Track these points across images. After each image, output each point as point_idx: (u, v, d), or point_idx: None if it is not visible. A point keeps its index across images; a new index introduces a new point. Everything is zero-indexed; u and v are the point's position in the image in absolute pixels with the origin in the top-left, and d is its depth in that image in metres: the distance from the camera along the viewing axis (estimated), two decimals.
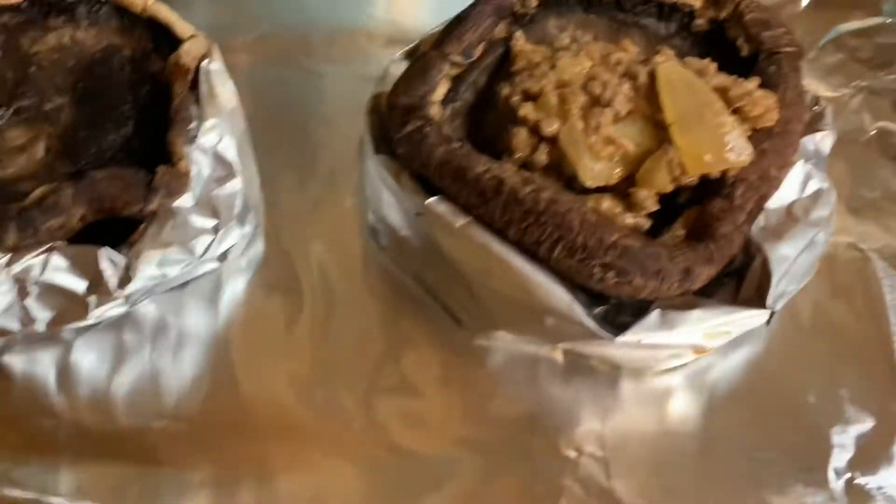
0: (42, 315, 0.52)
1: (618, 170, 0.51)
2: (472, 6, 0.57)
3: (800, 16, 0.72)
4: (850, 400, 0.55)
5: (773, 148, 0.51)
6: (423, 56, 0.55)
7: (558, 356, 0.56)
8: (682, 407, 0.55)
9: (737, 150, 0.50)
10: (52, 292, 0.51)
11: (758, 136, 0.52)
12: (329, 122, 0.68)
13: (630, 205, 0.51)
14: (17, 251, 0.50)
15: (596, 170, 0.51)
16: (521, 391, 0.56)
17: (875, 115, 0.67)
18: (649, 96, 0.52)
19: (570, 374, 0.56)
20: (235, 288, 0.60)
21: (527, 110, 0.52)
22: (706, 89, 0.51)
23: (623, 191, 0.51)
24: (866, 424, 0.54)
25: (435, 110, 0.53)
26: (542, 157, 0.52)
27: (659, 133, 0.51)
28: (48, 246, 0.50)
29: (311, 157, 0.66)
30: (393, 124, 0.53)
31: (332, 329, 0.59)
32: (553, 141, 0.52)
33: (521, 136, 0.52)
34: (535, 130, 0.52)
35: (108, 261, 0.51)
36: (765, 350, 0.57)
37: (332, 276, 0.61)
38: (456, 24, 0.56)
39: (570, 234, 0.48)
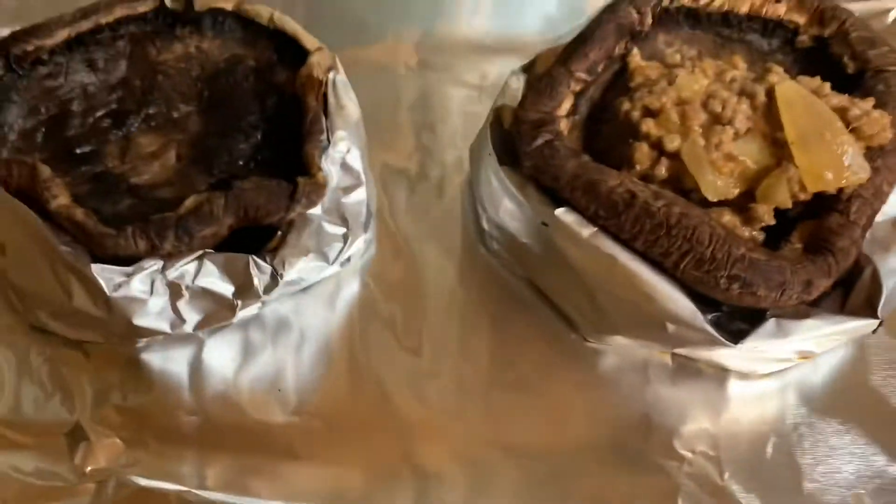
0: (191, 317, 0.55)
1: (737, 185, 0.54)
2: (594, 23, 0.59)
3: (888, 29, 0.74)
4: None
5: (886, 165, 0.54)
6: (550, 72, 0.58)
7: (667, 359, 0.59)
8: (788, 408, 0.58)
9: (855, 169, 0.52)
10: (203, 296, 0.55)
11: (870, 154, 0.54)
12: (434, 128, 0.71)
13: (748, 219, 0.54)
14: (171, 257, 0.53)
15: (717, 185, 0.53)
16: (632, 393, 0.59)
17: None
18: (767, 115, 0.54)
19: (679, 377, 0.59)
20: (352, 289, 0.63)
21: (649, 126, 0.55)
22: (826, 109, 0.53)
23: (741, 205, 0.54)
24: None
25: (563, 125, 0.56)
26: (661, 171, 0.54)
27: (777, 151, 0.54)
28: (200, 253, 0.53)
29: (419, 162, 0.69)
30: (522, 138, 0.56)
31: (446, 328, 0.62)
32: (674, 156, 0.54)
33: (642, 151, 0.55)
34: (656, 146, 0.55)
35: (256, 267, 0.54)
36: (866, 353, 0.60)
37: (444, 279, 0.64)
38: (580, 42, 0.58)
39: (700, 246, 0.51)
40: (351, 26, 0.76)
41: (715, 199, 0.53)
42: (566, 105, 0.57)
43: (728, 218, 0.53)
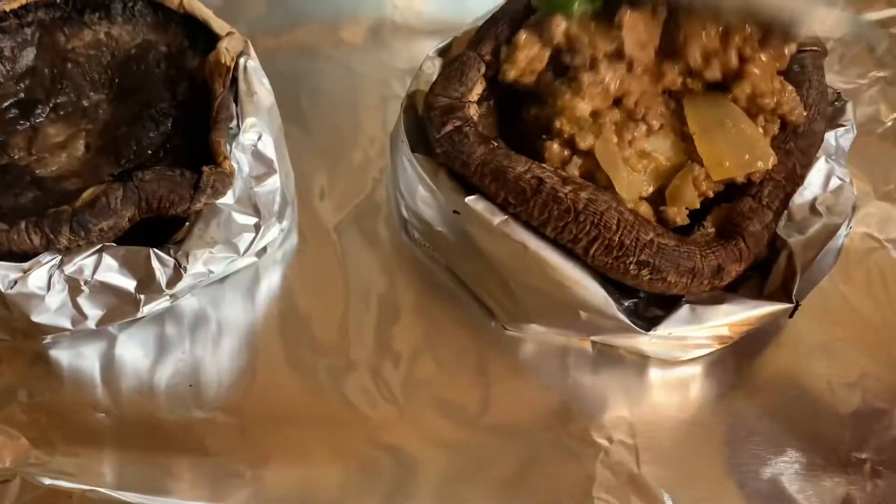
0: (93, 313, 0.54)
1: (651, 183, 0.53)
2: (507, 4, 0.58)
3: None
4: (868, 387, 0.57)
5: (798, 147, 0.53)
6: (460, 57, 0.56)
7: (587, 346, 0.59)
8: (707, 395, 0.57)
9: (758, 155, 0.52)
10: (103, 291, 0.53)
11: (782, 136, 0.54)
12: (357, 114, 0.69)
13: (662, 220, 0.53)
14: (69, 252, 0.52)
15: (631, 182, 0.52)
16: (552, 381, 0.58)
17: (891, 107, 0.68)
18: (679, 110, 0.54)
19: (599, 364, 0.58)
20: (272, 280, 0.62)
21: (561, 123, 0.53)
22: (725, 99, 0.52)
23: (656, 200, 0.53)
24: (885, 411, 0.56)
25: (472, 110, 0.55)
26: (573, 169, 0.53)
27: (689, 147, 0.53)
28: (99, 246, 0.52)
29: (340, 148, 0.68)
30: (432, 124, 0.55)
31: (367, 319, 0.61)
32: (586, 154, 0.53)
33: (552, 150, 0.53)
34: (568, 143, 0.53)
35: (158, 260, 0.53)
36: (785, 337, 0.59)
37: (365, 268, 0.63)
38: (492, 24, 0.57)
39: (608, 232, 0.50)
40: (274, 9, 0.75)
41: (628, 197, 0.52)
42: (477, 90, 0.56)
43: (644, 210, 0.53)
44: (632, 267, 0.50)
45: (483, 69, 0.56)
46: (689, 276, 0.50)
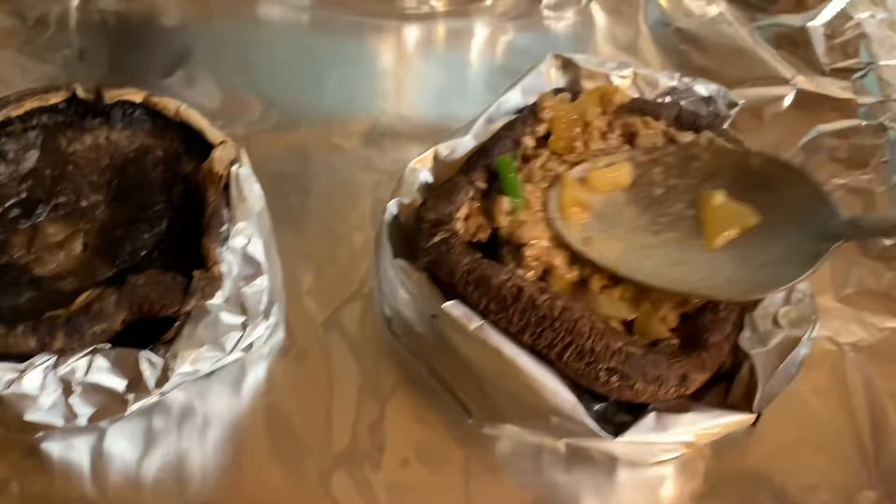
0: (84, 411, 0.56)
1: (630, 310, 0.56)
2: (494, 138, 0.63)
3: (783, 114, 0.77)
4: (827, 488, 0.59)
5: None
6: (452, 179, 0.61)
7: (560, 446, 0.60)
8: (676, 496, 0.59)
9: None
10: (94, 391, 0.55)
11: None
12: (345, 214, 0.72)
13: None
14: (63, 353, 0.54)
15: (610, 311, 0.56)
16: (525, 479, 0.60)
17: (851, 213, 0.71)
18: None
19: (571, 463, 0.60)
20: (257, 374, 0.64)
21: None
22: None
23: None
24: None
25: (459, 225, 0.59)
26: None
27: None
28: (91, 349, 0.54)
29: (328, 247, 0.70)
30: (422, 235, 0.58)
31: (348, 413, 0.62)
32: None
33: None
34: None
35: (147, 361, 0.55)
36: (752, 439, 0.61)
37: (349, 363, 0.65)
38: (482, 154, 0.62)
39: (580, 339, 0.53)
40: (265, 111, 0.78)
41: (613, 321, 0.55)
42: (464, 210, 0.60)
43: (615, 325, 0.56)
44: (602, 373, 0.53)
45: (471, 192, 0.60)
46: (655, 383, 0.53)
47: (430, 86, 0.83)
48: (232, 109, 0.78)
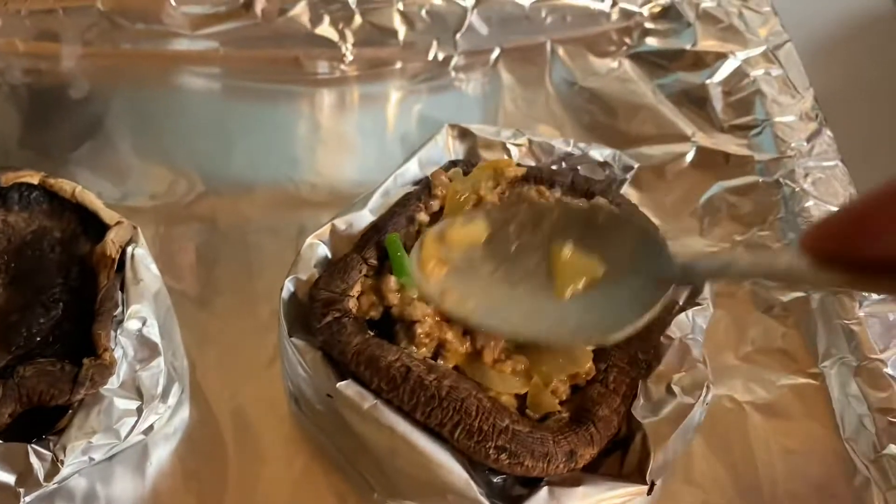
0: None
1: (523, 384, 0.57)
2: (388, 214, 0.63)
3: (685, 171, 0.78)
4: None
5: (638, 335, 0.57)
6: (344, 258, 0.61)
7: None
8: None
9: (575, 362, 0.57)
10: None
11: None
12: (248, 283, 0.72)
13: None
14: None
15: (504, 386, 0.56)
16: None
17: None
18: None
19: None
20: (161, 456, 0.63)
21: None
22: None
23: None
24: None
25: (352, 303, 0.59)
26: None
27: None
28: None
29: (231, 319, 0.70)
30: (314, 315, 0.59)
31: (256, 494, 0.62)
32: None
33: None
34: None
35: (36, 455, 0.55)
36: (650, 501, 0.61)
37: (255, 440, 0.64)
38: (375, 232, 0.62)
39: (468, 418, 0.53)
40: (174, 182, 0.78)
41: (504, 392, 0.56)
42: (357, 287, 0.60)
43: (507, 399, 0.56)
44: (491, 451, 0.53)
45: (364, 269, 0.60)
46: (544, 460, 0.53)
47: (342, 152, 0.83)
48: (142, 179, 0.78)
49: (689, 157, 0.79)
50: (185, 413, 0.65)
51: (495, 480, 0.57)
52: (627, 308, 0.51)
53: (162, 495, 0.62)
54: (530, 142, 0.69)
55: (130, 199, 0.76)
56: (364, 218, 0.64)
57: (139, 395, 0.59)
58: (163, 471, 0.63)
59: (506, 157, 0.69)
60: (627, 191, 0.72)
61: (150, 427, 0.62)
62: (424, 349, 0.57)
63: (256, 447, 0.64)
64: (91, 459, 0.58)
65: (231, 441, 0.64)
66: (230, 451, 0.64)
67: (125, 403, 0.58)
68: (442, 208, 0.63)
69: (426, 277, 0.55)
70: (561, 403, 0.57)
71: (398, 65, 0.88)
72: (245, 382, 0.67)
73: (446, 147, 0.69)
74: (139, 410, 0.59)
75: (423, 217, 0.63)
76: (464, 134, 0.69)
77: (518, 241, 0.56)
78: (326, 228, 0.64)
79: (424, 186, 0.64)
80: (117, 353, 0.58)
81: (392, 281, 0.58)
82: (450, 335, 0.57)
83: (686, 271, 0.49)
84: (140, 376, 0.59)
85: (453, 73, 0.87)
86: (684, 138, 0.80)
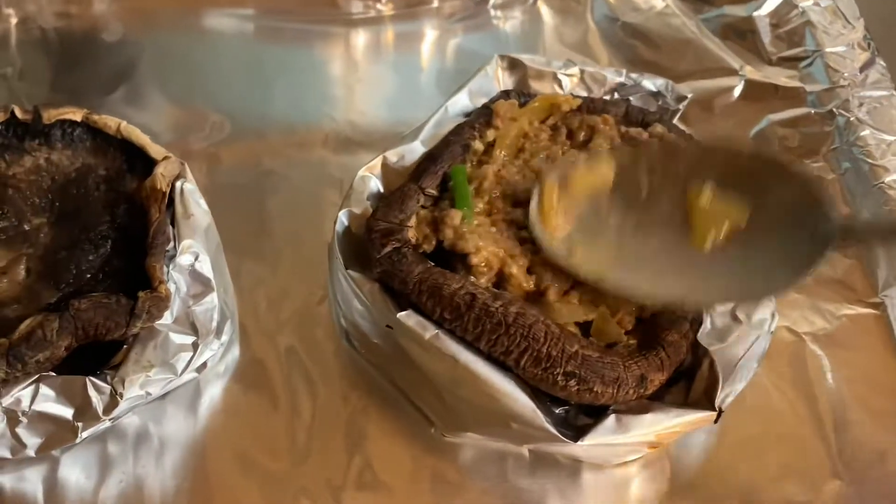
0: (32, 442, 0.54)
1: (587, 313, 0.55)
2: (443, 144, 0.62)
3: (733, 105, 0.77)
4: (792, 481, 0.59)
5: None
6: (402, 187, 0.60)
7: (524, 451, 0.60)
8: (642, 496, 0.59)
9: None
10: (41, 420, 0.54)
11: None
12: (293, 223, 0.71)
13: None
14: (6, 383, 0.52)
15: (567, 314, 0.55)
16: (490, 485, 0.59)
17: None
18: None
19: (535, 468, 0.59)
20: (213, 394, 0.63)
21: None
22: None
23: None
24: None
25: (411, 234, 0.58)
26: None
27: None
28: (36, 377, 0.53)
29: (278, 259, 0.69)
30: (373, 246, 0.57)
31: (309, 429, 0.61)
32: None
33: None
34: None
35: (94, 388, 0.54)
36: (715, 436, 0.61)
37: (307, 377, 0.64)
38: (431, 161, 0.61)
39: (536, 344, 0.53)
40: (214, 124, 0.77)
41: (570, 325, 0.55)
42: (415, 218, 0.59)
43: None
44: (559, 378, 0.52)
45: (422, 199, 0.59)
46: (614, 385, 0.52)
47: (380, 91, 0.82)
48: (179, 123, 0.77)
49: (738, 90, 0.77)
50: (235, 352, 0.65)
51: (557, 412, 0.56)
52: (779, 264, 0.47)
53: (215, 434, 0.61)
54: (582, 72, 0.68)
55: (167, 142, 0.74)
56: (416, 150, 0.63)
57: (194, 330, 0.58)
58: (215, 409, 0.62)
59: (557, 87, 0.67)
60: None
61: (204, 364, 0.61)
62: (484, 279, 0.56)
63: (307, 385, 0.63)
64: (148, 394, 0.57)
65: (282, 380, 0.64)
66: (281, 389, 0.63)
67: (181, 338, 0.57)
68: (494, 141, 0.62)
69: (551, 234, 0.52)
70: (626, 333, 0.56)
71: (435, 3, 0.86)
72: (296, 321, 0.66)
73: (496, 78, 0.67)
74: (195, 346, 0.58)
75: (478, 145, 0.61)
76: (514, 65, 0.68)
77: (648, 184, 0.52)
78: (378, 161, 0.62)
79: (479, 115, 0.63)
80: (171, 288, 0.57)
81: (454, 215, 0.57)
82: (514, 269, 0.56)
83: (848, 230, 0.46)
84: (194, 311, 0.58)
85: (492, 12, 0.85)
86: (732, 72, 0.78)
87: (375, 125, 0.77)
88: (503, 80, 0.68)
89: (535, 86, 0.68)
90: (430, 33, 0.86)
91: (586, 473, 0.59)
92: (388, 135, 0.65)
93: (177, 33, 0.84)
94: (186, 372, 0.59)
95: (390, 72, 0.84)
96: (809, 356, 0.64)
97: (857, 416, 0.62)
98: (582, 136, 0.63)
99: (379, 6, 0.86)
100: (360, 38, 0.85)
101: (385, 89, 0.82)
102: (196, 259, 0.59)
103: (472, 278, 0.56)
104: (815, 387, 0.63)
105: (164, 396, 0.61)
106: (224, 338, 0.63)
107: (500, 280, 0.57)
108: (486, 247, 0.56)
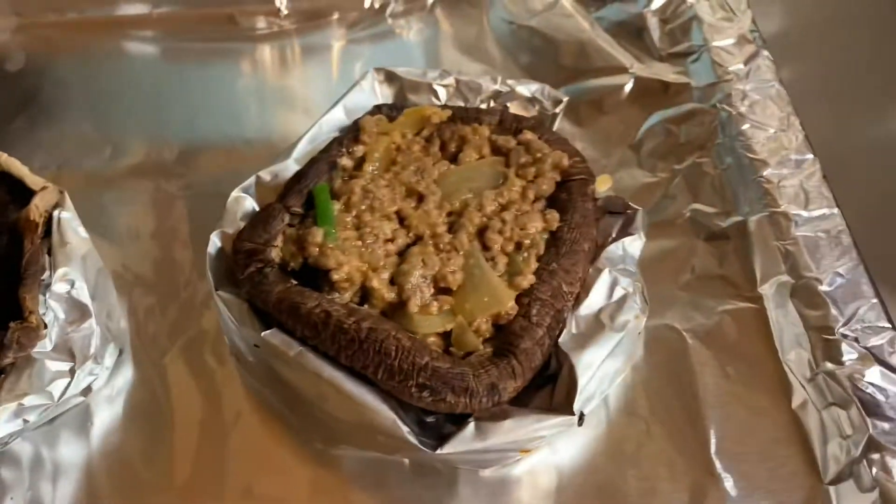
0: None
1: (446, 322, 0.56)
2: (310, 164, 0.63)
3: (623, 103, 0.78)
4: (667, 479, 0.59)
5: (562, 267, 0.57)
6: (267, 207, 0.61)
7: (405, 460, 0.61)
8: (518, 500, 0.59)
9: (498, 300, 0.57)
10: None
11: (546, 258, 0.58)
12: (189, 244, 0.72)
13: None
14: None
15: (426, 325, 0.56)
16: (371, 495, 0.60)
17: (690, 198, 0.72)
18: None
19: (415, 476, 0.60)
20: (104, 416, 0.64)
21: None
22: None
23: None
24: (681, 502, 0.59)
25: (275, 254, 0.59)
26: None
27: None
28: None
29: (172, 279, 0.70)
30: (237, 266, 0.59)
31: (192, 448, 0.62)
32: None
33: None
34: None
35: None
36: (590, 435, 0.62)
37: (194, 395, 0.65)
38: (297, 181, 0.62)
39: (388, 358, 0.53)
40: (114, 148, 0.78)
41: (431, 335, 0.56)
42: (280, 237, 0.60)
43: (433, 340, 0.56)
44: (413, 390, 0.53)
45: (287, 218, 0.60)
46: (465, 395, 0.53)
47: (286, 105, 0.82)
48: (76, 149, 0.78)
49: (628, 88, 0.78)
50: (127, 374, 0.66)
51: (428, 420, 0.57)
52: None
53: (107, 455, 0.62)
54: (457, 82, 0.68)
55: (67, 168, 0.76)
56: (289, 168, 0.64)
57: (71, 356, 0.59)
58: (106, 431, 0.64)
59: (433, 98, 0.68)
60: (564, 125, 0.72)
61: (89, 388, 0.63)
62: (348, 295, 0.57)
63: (192, 402, 0.64)
64: (26, 422, 0.58)
65: (168, 398, 0.65)
66: (167, 407, 0.64)
67: (57, 365, 0.59)
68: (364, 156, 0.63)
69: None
70: (485, 342, 0.56)
71: (335, 15, 0.87)
72: (182, 339, 0.67)
73: (373, 91, 0.68)
74: (72, 371, 0.59)
75: (345, 162, 0.62)
76: (390, 77, 0.69)
77: None
78: (251, 181, 0.63)
79: (349, 131, 0.63)
80: (48, 317, 0.58)
81: (316, 233, 0.58)
82: (375, 282, 0.57)
83: None
84: (72, 337, 0.59)
85: (391, 21, 0.86)
86: (622, 70, 0.79)
87: (280, 140, 0.77)
88: (381, 93, 0.69)
89: (413, 97, 0.68)
90: (334, 45, 0.86)
91: (463, 480, 0.60)
92: (264, 155, 0.66)
93: (79, 59, 0.85)
94: (67, 397, 0.60)
95: (298, 85, 0.85)
96: (691, 353, 0.64)
97: (737, 410, 0.62)
98: (453, 146, 0.64)
99: (280, 21, 0.86)
100: (266, 53, 0.86)
101: (293, 104, 0.83)
102: (72, 286, 0.60)
103: (336, 294, 0.57)
104: (696, 383, 0.63)
105: (53, 421, 0.63)
106: (108, 361, 0.64)
107: (365, 293, 0.58)
108: (350, 262, 0.57)
